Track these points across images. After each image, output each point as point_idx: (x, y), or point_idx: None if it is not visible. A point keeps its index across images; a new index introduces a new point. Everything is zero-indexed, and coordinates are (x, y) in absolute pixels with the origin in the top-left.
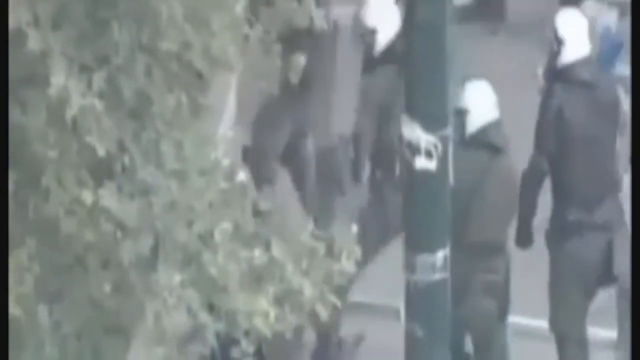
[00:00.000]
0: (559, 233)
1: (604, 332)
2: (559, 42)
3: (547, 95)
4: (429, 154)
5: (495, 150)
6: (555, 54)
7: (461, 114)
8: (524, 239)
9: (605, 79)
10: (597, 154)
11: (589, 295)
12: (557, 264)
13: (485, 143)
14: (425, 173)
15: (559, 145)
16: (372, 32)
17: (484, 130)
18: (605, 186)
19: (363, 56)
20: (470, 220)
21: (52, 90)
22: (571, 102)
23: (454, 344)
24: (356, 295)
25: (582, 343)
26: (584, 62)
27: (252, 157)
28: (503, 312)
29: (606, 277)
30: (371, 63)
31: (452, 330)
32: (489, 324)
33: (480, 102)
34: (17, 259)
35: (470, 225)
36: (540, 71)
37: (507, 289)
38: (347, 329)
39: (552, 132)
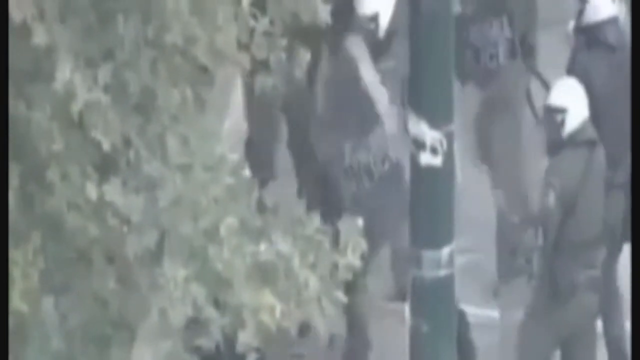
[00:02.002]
0: None
1: None
2: (582, 0)
3: (574, 52)
4: (434, 150)
5: (593, 145)
6: (579, 12)
7: (559, 113)
8: None
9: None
10: (618, 116)
11: (616, 249)
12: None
13: (584, 141)
14: (431, 169)
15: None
16: (374, 18)
17: (582, 129)
18: (625, 148)
19: (368, 43)
20: (575, 218)
21: (58, 85)
22: (594, 62)
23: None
24: None
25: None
26: (609, 23)
27: (255, 151)
28: (600, 307)
29: (626, 234)
30: (378, 48)
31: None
32: (590, 319)
33: (576, 100)
34: (22, 253)
35: (576, 224)
36: (570, 28)
37: (605, 284)
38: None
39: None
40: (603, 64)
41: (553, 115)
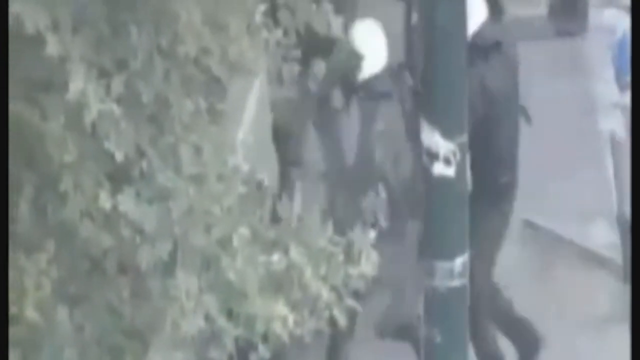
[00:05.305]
0: (493, 195)
1: None
2: None
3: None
4: (447, 161)
5: None
6: None
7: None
8: None
9: (507, 36)
10: (512, 113)
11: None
12: (493, 223)
13: None
14: (444, 180)
15: (484, 110)
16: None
17: None
18: (516, 144)
19: None
20: None
21: (71, 96)
22: (489, 66)
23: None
24: None
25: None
26: (490, 23)
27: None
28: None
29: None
30: None
31: None
32: None
33: None
34: (36, 263)
35: None
36: None
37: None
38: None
39: (478, 97)
40: (494, 64)
41: None
